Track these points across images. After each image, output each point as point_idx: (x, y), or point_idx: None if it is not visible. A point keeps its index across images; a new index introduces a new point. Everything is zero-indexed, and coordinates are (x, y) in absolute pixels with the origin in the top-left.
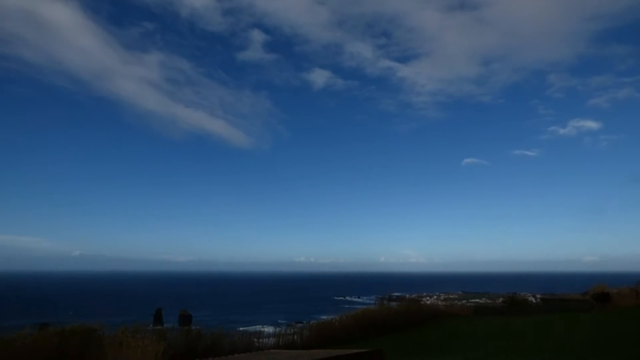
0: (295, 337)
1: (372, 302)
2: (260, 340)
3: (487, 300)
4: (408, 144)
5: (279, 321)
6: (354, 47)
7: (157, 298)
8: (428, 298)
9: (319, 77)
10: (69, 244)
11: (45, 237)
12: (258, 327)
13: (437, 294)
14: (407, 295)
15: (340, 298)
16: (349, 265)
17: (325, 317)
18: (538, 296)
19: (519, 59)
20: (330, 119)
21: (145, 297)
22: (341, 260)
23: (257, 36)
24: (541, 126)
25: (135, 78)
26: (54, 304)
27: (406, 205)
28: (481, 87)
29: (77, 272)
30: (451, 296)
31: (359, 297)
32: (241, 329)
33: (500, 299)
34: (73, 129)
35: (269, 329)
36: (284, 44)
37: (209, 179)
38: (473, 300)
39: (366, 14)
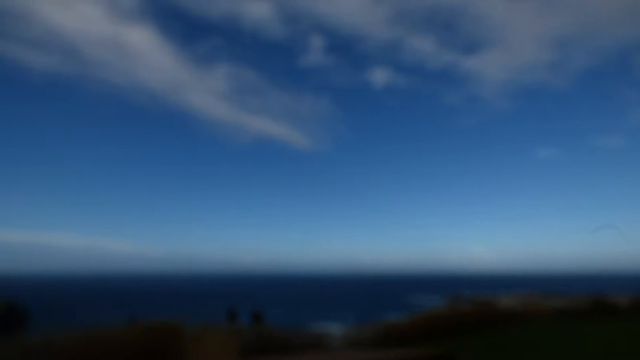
0: (363, 337)
1: (441, 302)
2: (328, 339)
3: (569, 302)
4: (475, 138)
5: (347, 321)
6: (414, 42)
7: (229, 297)
8: (502, 298)
9: (379, 76)
10: (151, 246)
11: (131, 241)
12: (326, 326)
13: (512, 294)
14: (479, 295)
15: (407, 298)
16: (416, 264)
17: (392, 317)
18: (630, 298)
19: (597, 40)
20: (391, 117)
21: (218, 296)
22: (407, 259)
23: (317, 40)
24: (626, 111)
25: (205, 90)
26: (141, 301)
27: (475, 201)
28: (556, 73)
29: (159, 272)
30: (528, 297)
31: (427, 297)
32: (310, 328)
33: (585, 301)
34: (153, 142)
35: (337, 329)
36: (344, 45)
37: (273, 181)
38: (553, 302)
39: (426, 7)
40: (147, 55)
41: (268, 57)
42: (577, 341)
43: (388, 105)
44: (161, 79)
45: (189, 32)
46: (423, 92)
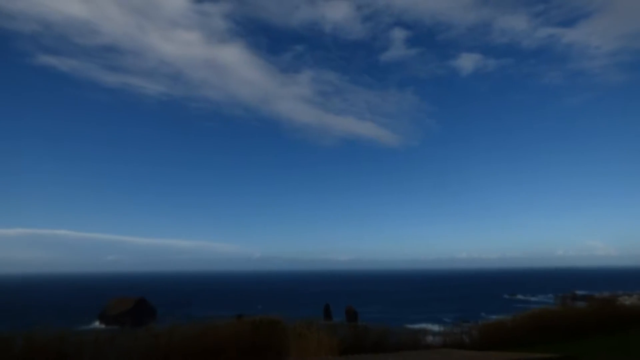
0: (464, 336)
1: (551, 301)
2: (426, 338)
3: None
4: (582, 119)
5: (444, 319)
6: (504, 22)
7: (323, 294)
8: (626, 297)
9: (467, 62)
10: (251, 248)
11: (233, 243)
12: (423, 325)
13: (637, 293)
14: (597, 294)
15: (510, 296)
16: (519, 260)
17: (495, 316)
18: None
19: None
20: (482, 105)
21: (313, 294)
22: (509, 255)
23: (398, 34)
24: None
25: (291, 97)
26: (244, 298)
27: (587, 190)
28: None
29: (258, 272)
30: None
31: (533, 296)
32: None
33: None
34: (249, 150)
35: (434, 327)
36: (426, 35)
37: (363, 181)
38: None
39: None
40: (239, 71)
41: (349, 57)
42: None
43: (477, 91)
44: (252, 91)
45: (274, 44)
46: (517, 73)
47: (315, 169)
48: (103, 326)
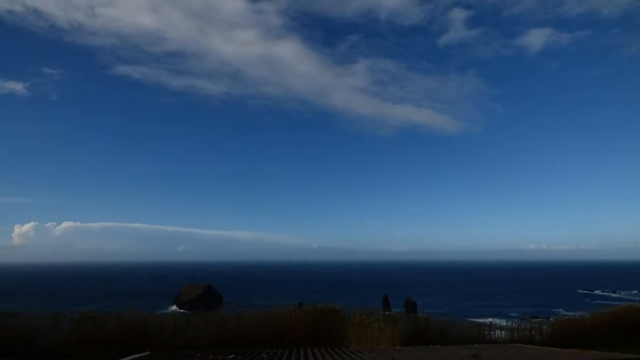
0: (533, 332)
1: (636, 298)
2: (492, 332)
3: None
4: None
5: (511, 314)
6: None
7: (381, 285)
8: None
9: (535, 39)
10: (310, 238)
11: (292, 234)
12: (488, 319)
13: None
14: None
15: (586, 291)
16: (596, 253)
17: (571, 313)
18: None
19: None
20: (553, 84)
21: (371, 284)
22: (584, 246)
23: (457, 15)
24: None
25: (346, 88)
26: (303, 288)
27: None
28: None
29: (315, 262)
30: None
31: (615, 292)
32: (469, 319)
33: None
34: (306, 144)
35: (500, 322)
36: (488, 13)
37: (419, 169)
38: None
39: None
40: (294, 66)
41: (406, 43)
42: None
43: (548, 69)
44: (307, 85)
45: (328, 36)
46: (595, 47)
47: (372, 160)
48: (178, 310)
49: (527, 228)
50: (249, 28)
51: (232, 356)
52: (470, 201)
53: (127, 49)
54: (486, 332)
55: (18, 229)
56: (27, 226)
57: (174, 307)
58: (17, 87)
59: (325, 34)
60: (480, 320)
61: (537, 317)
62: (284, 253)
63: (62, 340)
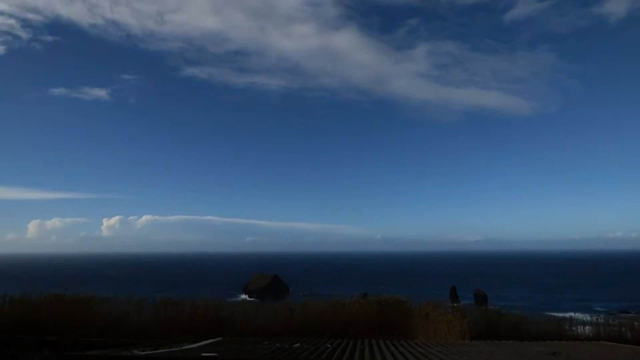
0: (623, 329)
1: None
2: (573, 328)
3: None
4: None
5: (596, 308)
6: None
7: (448, 276)
8: None
9: (618, 5)
10: (373, 229)
11: (356, 225)
12: (568, 314)
13: None
14: None
15: None
16: None
17: None
18: None
19: None
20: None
21: (438, 275)
22: None
23: None
24: None
25: (406, 74)
26: (368, 278)
27: None
28: None
29: (379, 253)
30: None
31: None
32: (546, 314)
33: None
34: (366, 134)
35: (583, 317)
36: None
37: (487, 155)
38: None
39: None
40: (352, 55)
41: (469, 22)
42: None
43: (633, 40)
44: (366, 74)
45: (386, 22)
46: None
47: (436, 147)
48: (247, 298)
49: (613, 214)
50: (306, 21)
51: (297, 344)
52: (546, 187)
53: (193, 51)
54: (566, 328)
55: (106, 223)
56: (113, 220)
57: (244, 296)
58: (101, 93)
59: (382, 20)
60: (560, 314)
61: (628, 313)
62: (347, 244)
63: (146, 323)
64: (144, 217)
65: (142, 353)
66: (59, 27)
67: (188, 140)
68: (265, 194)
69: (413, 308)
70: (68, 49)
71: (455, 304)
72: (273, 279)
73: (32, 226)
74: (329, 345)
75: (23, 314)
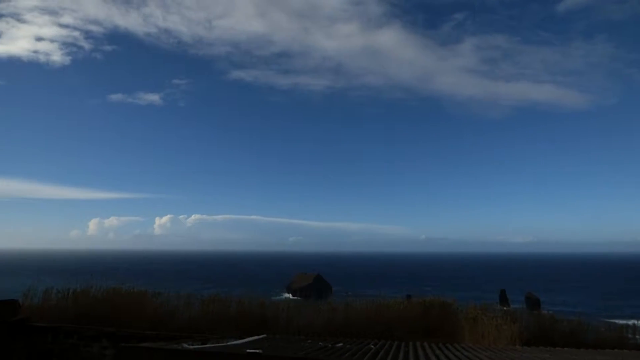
0: None
1: None
2: (637, 336)
3: None
4: None
5: None
6: None
7: (496, 279)
8: None
9: None
10: (417, 229)
11: (399, 225)
12: (631, 321)
13: None
14: None
15: None
16: None
17: None
18: None
19: None
20: None
21: (485, 278)
22: None
23: None
24: None
25: (451, 70)
26: (412, 279)
27: None
28: None
29: (423, 253)
30: None
31: None
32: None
33: None
34: (410, 132)
35: None
36: None
37: (538, 151)
38: None
39: None
40: (396, 53)
41: (519, 14)
42: None
43: None
44: (411, 71)
45: (431, 17)
46: None
47: (483, 144)
48: (290, 297)
49: None
50: (350, 21)
51: (340, 344)
52: (605, 184)
53: (239, 54)
54: (629, 336)
55: (158, 221)
56: (165, 218)
57: (286, 295)
58: (154, 98)
59: (427, 16)
60: (622, 321)
61: None
62: (390, 244)
63: (195, 318)
64: (193, 216)
65: (192, 347)
66: (117, 37)
67: (233, 141)
68: (309, 193)
69: (460, 311)
70: (125, 57)
71: (504, 308)
72: (316, 278)
73: (93, 224)
74: (372, 346)
75: (84, 306)
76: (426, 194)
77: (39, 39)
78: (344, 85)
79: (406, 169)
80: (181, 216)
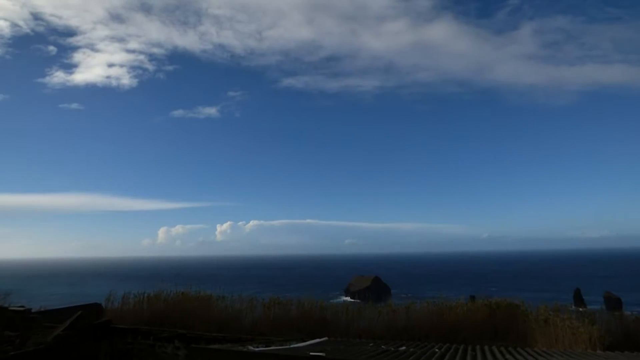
0: None
1: None
2: None
3: None
4: None
5: None
6: None
7: (569, 277)
8: None
9: None
10: (479, 228)
11: (460, 224)
12: None
13: None
14: None
15: None
16: None
17: None
18: None
19: None
20: None
21: (556, 276)
22: None
23: None
24: None
25: (509, 58)
26: (474, 279)
27: None
28: None
29: (486, 252)
30: None
31: None
32: None
33: None
34: (467, 128)
35: None
36: None
37: (612, 138)
38: None
39: None
40: (448, 46)
41: None
42: None
43: None
44: (464, 64)
45: (484, 5)
46: None
47: (547, 134)
48: (349, 299)
49: None
50: (398, 18)
51: (403, 348)
52: None
53: (289, 62)
54: None
55: (219, 228)
56: (225, 225)
57: (345, 297)
58: (211, 111)
59: (480, 4)
60: None
61: None
62: (450, 244)
63: (258, 321)
64: (251, 222)
65: (257, 349)
66: (176, 57)
67: (287, 148)
68: (363, 195)
69: (529, 312)
70: (184, 75)
71: (580, 309)
72: (374, 280)
73: (161, 232)
74: (437, 350)
75: (157, 309)
76: (487, 191)
77: (111, 65)
78: (394, 83)
79: (463, 165)
80: (240, 222)
